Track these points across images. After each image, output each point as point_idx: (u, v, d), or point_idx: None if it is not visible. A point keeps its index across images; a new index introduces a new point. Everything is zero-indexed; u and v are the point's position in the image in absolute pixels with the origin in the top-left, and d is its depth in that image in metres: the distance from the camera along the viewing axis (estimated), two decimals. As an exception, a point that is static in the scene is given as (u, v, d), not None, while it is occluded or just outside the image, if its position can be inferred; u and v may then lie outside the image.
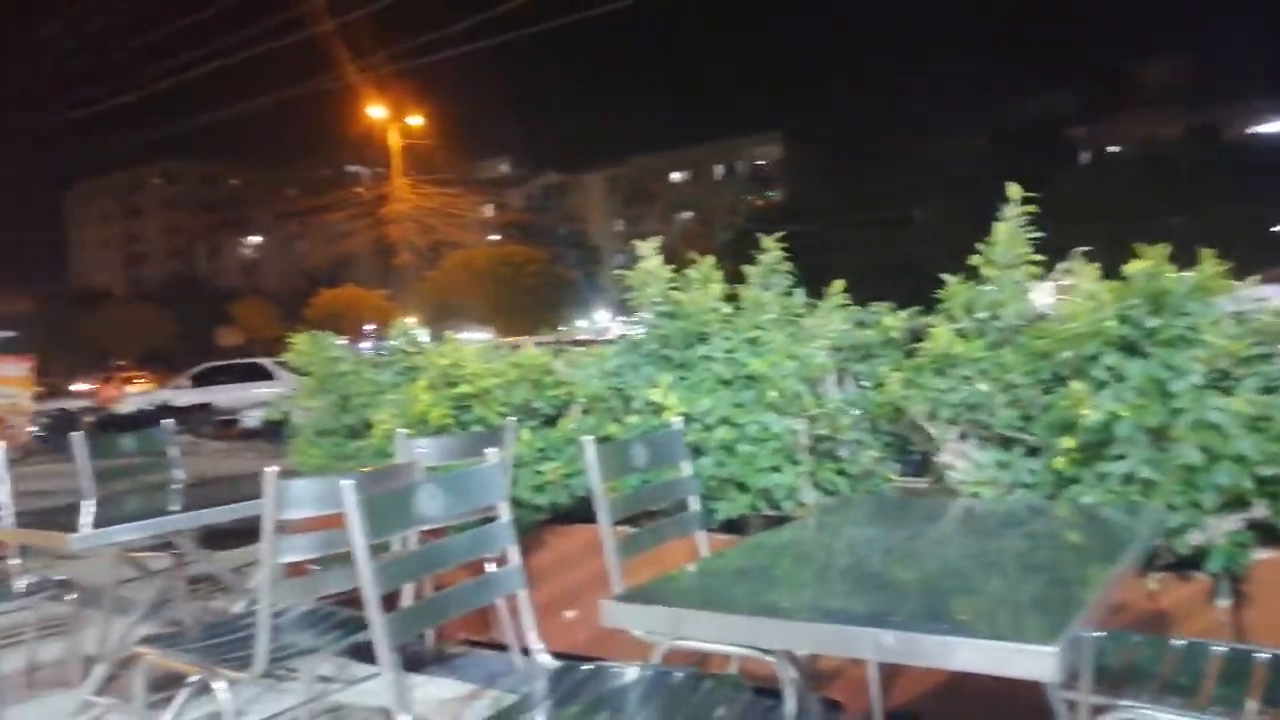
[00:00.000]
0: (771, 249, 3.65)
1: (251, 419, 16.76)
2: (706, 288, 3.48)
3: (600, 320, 45.75)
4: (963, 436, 2.97)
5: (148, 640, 2.75)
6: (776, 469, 3.22)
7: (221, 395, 19.26)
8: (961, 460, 2.93)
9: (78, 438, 4.06)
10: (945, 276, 3.17)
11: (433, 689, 3.59)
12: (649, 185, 66.93)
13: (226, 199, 74.81)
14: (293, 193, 66.29)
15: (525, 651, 3.57)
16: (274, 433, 15.05)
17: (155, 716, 2.79)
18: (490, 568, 3.32)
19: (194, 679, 2.74)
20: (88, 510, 3.67)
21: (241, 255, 73.75)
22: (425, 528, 2.29)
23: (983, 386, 2.88)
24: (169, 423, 4.54)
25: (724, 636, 2.06)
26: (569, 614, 3.71)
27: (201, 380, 20.50)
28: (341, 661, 3.76)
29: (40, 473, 9.16)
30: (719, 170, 66.77)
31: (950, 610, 1.56)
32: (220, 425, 18.02)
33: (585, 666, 2.24)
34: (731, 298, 3.61)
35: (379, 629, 1.89)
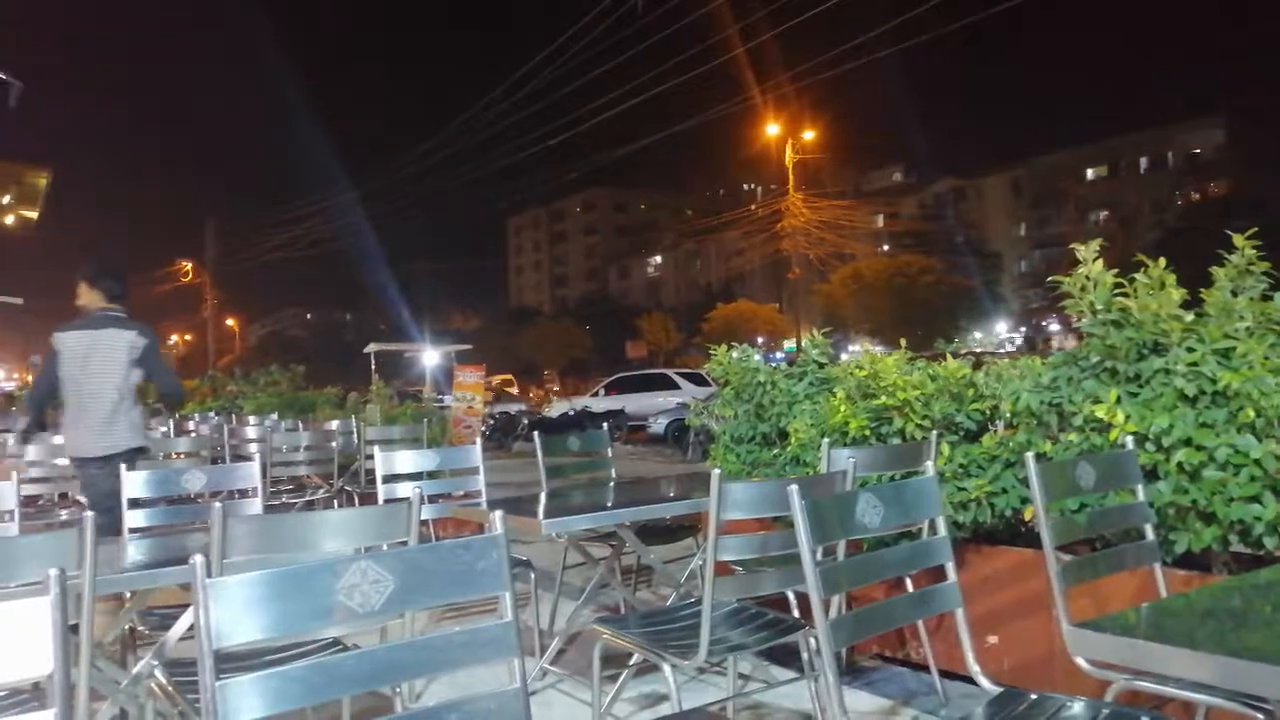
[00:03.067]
0: (1244, 247, 3.17)
1: (658, 425, 18.01)
2: (1162, 293, 3.11)
3: (1001, 331, 42.97)
4: None
5: (601, 621, 3.04)
6: (1255, 499, 2.78)
7: (632, 402, 20.93)
8: None
9: (539, 438, 4.63)
10: None
11: (849, 700, 3.59)
12: (1057, 184, 61.62)
13: (636, 223, 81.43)
14: (692, 213, 70.46)
15: (946, 673, 3.46)
16: (677, 438, 16.07)
17: (602, 690, 3.09)
18: (908, 585, 3.27)
19: (635, 661, 3.01)
20: (544, 501, 4.16)
21: (646, 274, 79.78)
22: (861, 536, 2.30)
23: None
24: (605, 426, 5.03)
25: (1217, 679, 1.82)
26: (991, 639, 3.51)
27: (614, 389, 22.45)
28: (755, 661, 3.90)
29: (491, 466, 10.61)
30: (1143, 163, 59.67)
31: None
32: (631, 430, 19.58)
33: (1032, 696, 2.10)
34: (1191, 304, 3.19)
35: (823, 633, 1.92)
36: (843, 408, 3.84)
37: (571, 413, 20.48)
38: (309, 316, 74.60)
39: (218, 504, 2.36)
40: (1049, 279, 3.60)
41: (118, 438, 4.75)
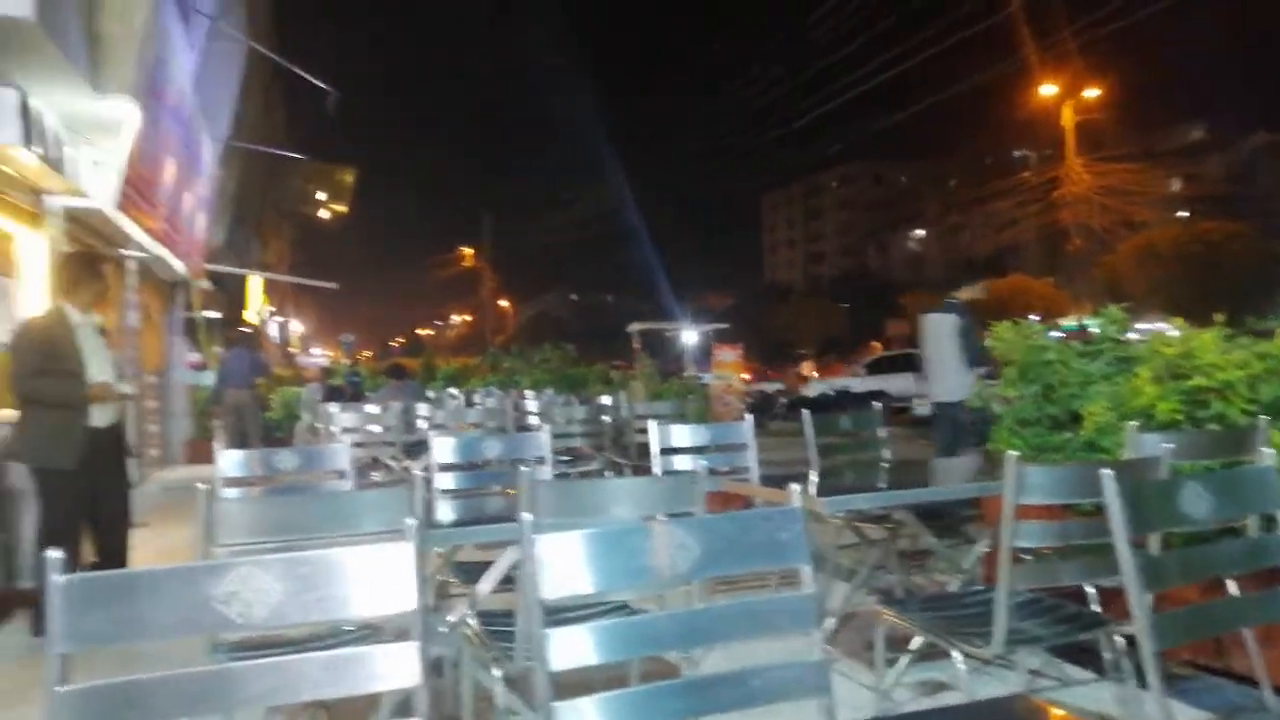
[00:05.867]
0: None
1: (922, 407, 17.35)
2: None
3: (1328, 306, 37.35)
4: None
5: (885, 602, 2.99)
6: None
7: (894, 383, 20.29)
8: None
9: (806, 415, 4.62)
10: None
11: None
12: (1406, 133, 52.42)
13: (894, 196, 78.57)
14: (955, 183, 66.84)
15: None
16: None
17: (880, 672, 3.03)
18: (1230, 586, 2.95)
19: (916, 646, 2.93)
20: (813, 479, 4.13)
21: (906, 248, 76.86)
22: (1182, 529, 2.11)
23: None
24: (877, 406, 4.92)
25: None
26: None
27: (876, 369, 21.85)
28: (1045, 656, 3.68)
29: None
30: None
31: None
32: (893, 412, 19.02)
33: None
34: None
35: (1144, 632, 1.78)
36: (1148, 389, 3.52)
37: (830, 393, 20.21)
38: (573, 298, 78.55)
39: (524, 468, 2.57)
40: None
41: None
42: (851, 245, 79.98)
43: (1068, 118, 32.51)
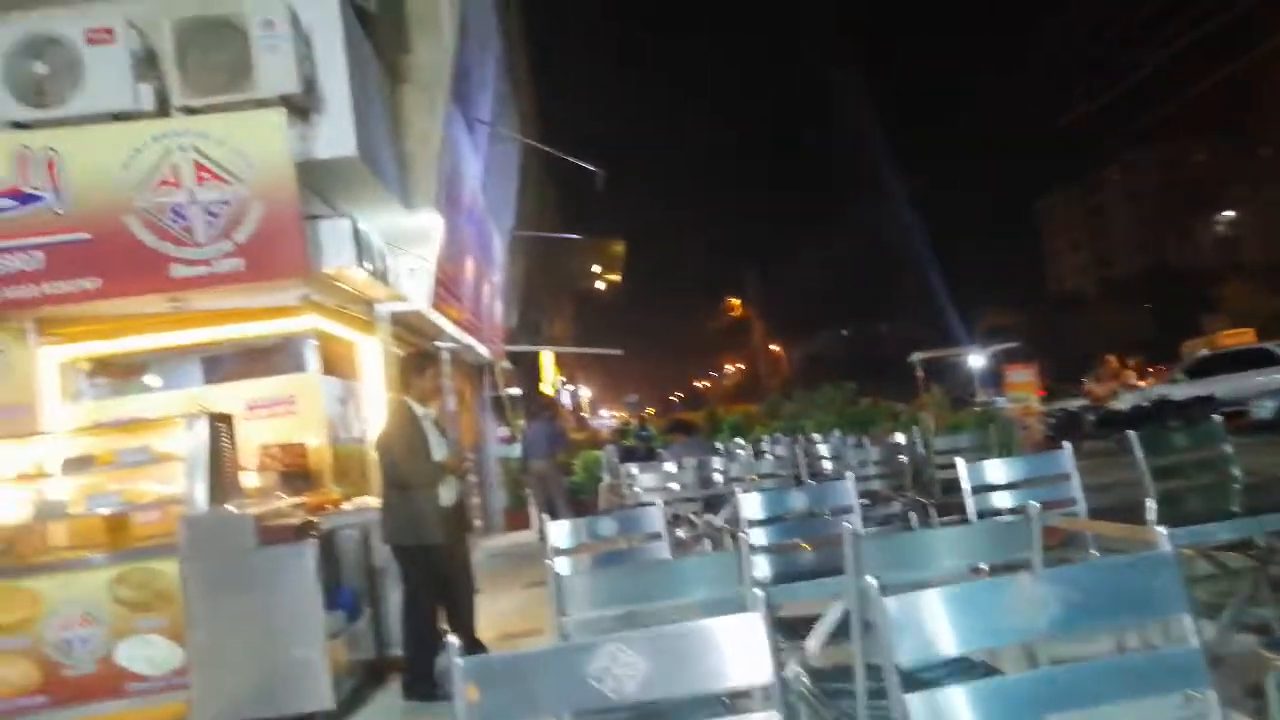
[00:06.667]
0: None
1: (1263, 409, 15.29)
2: None
3: None
4: None
5: (1271, 644, 2.66)
6: None
7: (1222, 385, 18.04)
8: None
9: (1133, 435, 4.23)
10: None
11: None
12: None
13: (1188, 179, 70.67)
14: (1270, 152, 58.99)
15: None
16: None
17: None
18: None
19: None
20: (1151, 507, 3.77)
21: (1214, 234, 68.65)
22: None
23: None
24: (1218, 419, 4.41)
25: None
26: None
27: (1198, 371, 19.54)
28: None
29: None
30: None
31: None
32: (1225, 418, 16.90)
33: None
34: None
35: None
36: None
37: (1146, 404, 18.31)
38: (844, 333, 77.18)
39: (846, 523, 2.55)
40: None
41: None
42: (1146, 240, 72.67)
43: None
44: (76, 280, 5.71)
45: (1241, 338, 21.90)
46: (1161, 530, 1.71)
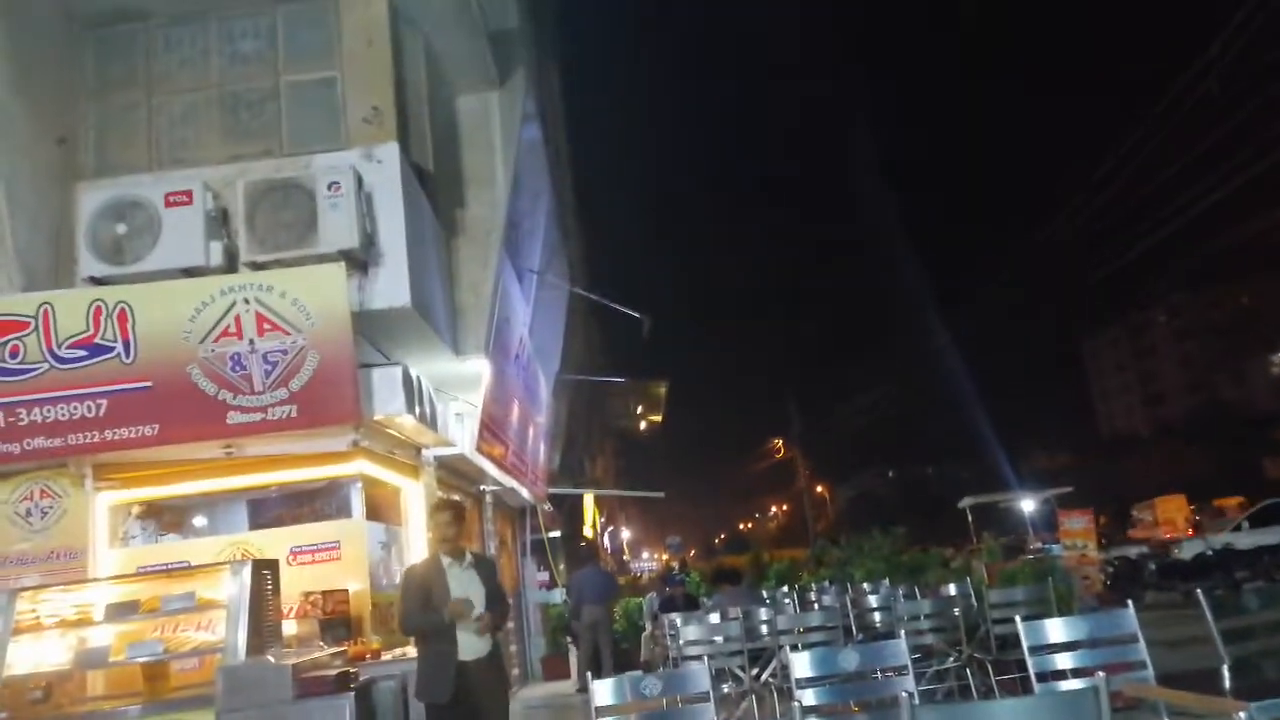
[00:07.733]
0: None
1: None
2: None
3: None
4: None
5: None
6: None
7: (1288, 534, 17.34)
8: None
9: (1202, 596, 4.06)
10: None
11: None
12: None
13: (1238, 319, 70.07)
14: (1316, 294, 58.47)
15: None
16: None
17: None
18: None
19: None
20: (1225, 675, 3.59)
21: (1270, 373, 67.39)
22: None
23: None
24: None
25: None
26: None
27: (1262, 519, 18.84)
28: None
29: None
30: None
31: None
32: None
33: None
34: None
35: None
36: None
37: (1209, 553, 17.58)
38: (890, 474, 75.92)
39: (904, 691, 2.46)
40: None
41: None
42: (1197, 379, 71.57)
43: None
44: (136, 426, 5.87)
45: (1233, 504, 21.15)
46: (1245, 708, 1.63)
